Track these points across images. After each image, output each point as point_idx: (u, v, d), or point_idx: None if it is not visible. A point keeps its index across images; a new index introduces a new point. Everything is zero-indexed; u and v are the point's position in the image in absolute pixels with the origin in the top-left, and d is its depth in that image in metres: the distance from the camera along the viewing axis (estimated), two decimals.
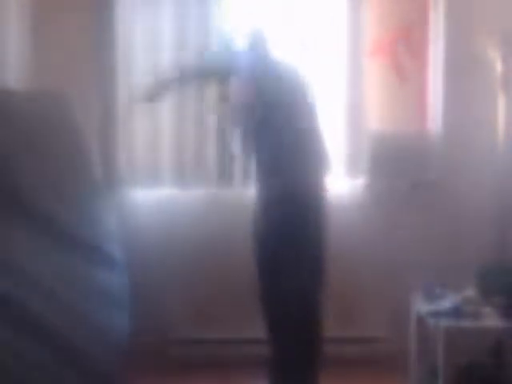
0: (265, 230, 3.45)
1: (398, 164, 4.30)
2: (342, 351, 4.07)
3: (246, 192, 4.03)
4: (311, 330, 3.43)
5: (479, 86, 4.23)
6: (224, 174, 4.33)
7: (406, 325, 3.82)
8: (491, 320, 3.42)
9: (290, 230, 3.35)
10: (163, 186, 4.34)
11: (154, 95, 3.72)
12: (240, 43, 3.56)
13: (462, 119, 4.27)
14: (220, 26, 4.19)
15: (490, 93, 4.20)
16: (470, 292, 3.61)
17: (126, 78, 4.29)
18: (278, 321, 3.48)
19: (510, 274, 3.64)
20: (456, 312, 3.41)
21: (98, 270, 3.33)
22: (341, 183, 4.30)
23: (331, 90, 4.35)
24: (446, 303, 3.51)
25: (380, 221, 4.26)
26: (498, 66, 4.12)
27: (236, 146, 3.87)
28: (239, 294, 3.96)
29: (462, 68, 4.26)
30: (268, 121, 3.42)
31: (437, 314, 3.43)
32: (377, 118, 4.33)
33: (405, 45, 4.35)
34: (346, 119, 4.33)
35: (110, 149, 4.30)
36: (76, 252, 3.24)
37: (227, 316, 4.23)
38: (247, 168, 4.23)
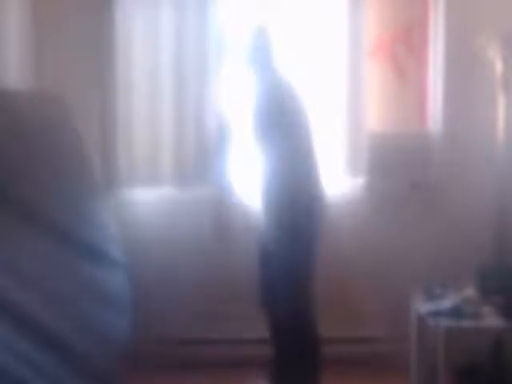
0: (266, 231, 3.46)
1: (397, 164, 4.30)
2: (342, 351, 4.06)
3: (246, 192, 4.04)
4: (311, 331, 3.44)
5: (479, 86, 4.23)
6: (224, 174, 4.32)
7: (406, 325, 3.82)
8: (491, 320, 3.42)
9: (290, 231, 3.36)
10: (163, 186, 4.34)
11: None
12: (242, 43, 3.56)
13: (462, 119, 4.26)
14: (220, 26, 4.18)
15: (489, 93, 4.19)
16: (470, 292, 3.61)
17: (126, 78, 4.28)
18: (278, 321, 3.48)
19: (509, 273, 3.64)
20: (456, 312, 3.41)
21: (97, 270, 3.33)
22: (341, 183, 4.30)
23: (331, 89, 4.35)
24: (446, 303, 3.51)
25: (380, 221, 4.26)
26: (498, 66, 4.12)
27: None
28: (239, 294, 3.96)
29: (462, 68, 4.25)
30: (263, 125, 3.43)
31: (437, 314, 3.43)
32: (377, 118, 4.33)
33: (405, 45, 4.35)
34: (345, 119, 4.33)
35: (109, 149, 4.30)
36: (76, 252, 3.24)
37: (227, 316, 4.23)
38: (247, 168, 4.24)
